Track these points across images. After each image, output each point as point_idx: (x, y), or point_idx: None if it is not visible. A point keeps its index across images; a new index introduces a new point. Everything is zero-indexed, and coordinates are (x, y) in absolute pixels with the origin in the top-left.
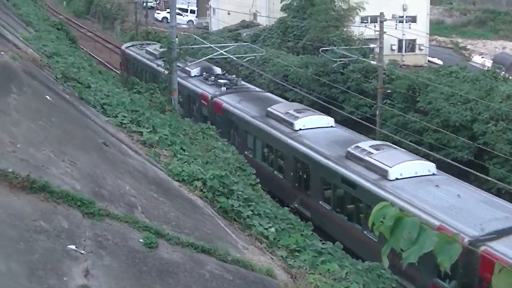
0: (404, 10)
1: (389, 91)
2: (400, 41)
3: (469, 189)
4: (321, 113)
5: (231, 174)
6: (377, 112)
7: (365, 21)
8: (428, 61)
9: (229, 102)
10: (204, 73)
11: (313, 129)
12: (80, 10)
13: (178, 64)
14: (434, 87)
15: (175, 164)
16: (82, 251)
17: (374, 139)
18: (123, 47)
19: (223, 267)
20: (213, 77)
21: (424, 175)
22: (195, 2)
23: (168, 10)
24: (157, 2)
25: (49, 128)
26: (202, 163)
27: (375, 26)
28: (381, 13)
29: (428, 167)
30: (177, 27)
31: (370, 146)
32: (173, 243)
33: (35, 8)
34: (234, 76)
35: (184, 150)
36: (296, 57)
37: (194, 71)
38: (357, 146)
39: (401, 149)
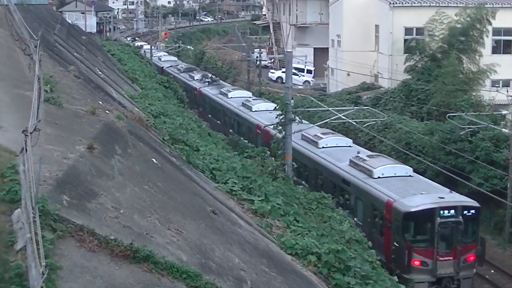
0: None
1: None
2: None
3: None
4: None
5: (348, 249)
6: (509, 185)
7: (497, 85)
8: None
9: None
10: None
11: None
12: None
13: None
14: None
15: (288, 236)
16: None
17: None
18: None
19: None
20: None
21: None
22: (312, 61)
23: (283, 70)
24: (272, 61)
25: (154, 194)
26: (317, 236)
27: (507, 91)
28: None
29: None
30: (292, 88)
31: None
32: None
33: (141, 64)
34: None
35: (298, 221)
36: (420, 123)
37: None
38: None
39: None
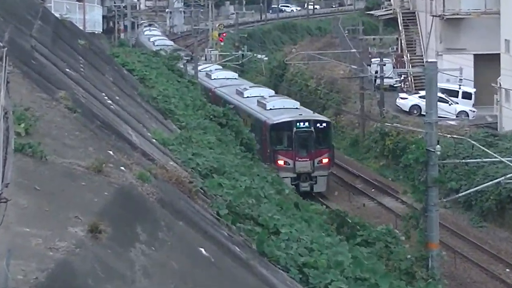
0: None
1: None
2: None
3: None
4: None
5: None
6: None
7: None
8: None
9: None
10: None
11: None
12: None
13: None
14: None
15: None
16: None
17: None
18: None
19: None
20: None
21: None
22: (472, 78)
23: (422, 94)
24: (402, 78)
25: None
26: None
27: None
28: None
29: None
30: (439, 125)
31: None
32: None
33: (180, 85)
34: None
35: None
36: None
37: None
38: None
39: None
